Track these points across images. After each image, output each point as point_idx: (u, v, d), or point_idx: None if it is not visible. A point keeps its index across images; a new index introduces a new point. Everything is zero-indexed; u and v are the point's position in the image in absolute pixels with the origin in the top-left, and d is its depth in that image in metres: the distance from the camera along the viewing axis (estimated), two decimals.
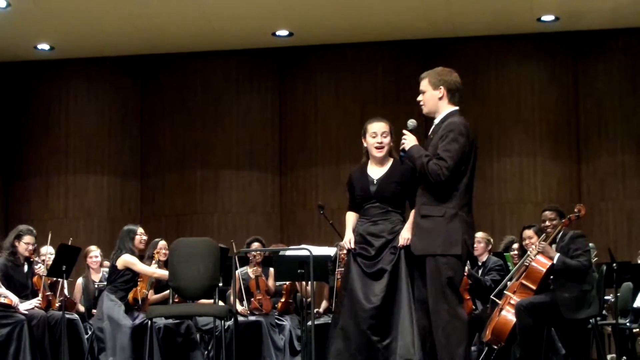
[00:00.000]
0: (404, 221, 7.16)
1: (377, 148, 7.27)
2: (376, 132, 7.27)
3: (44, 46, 14.56)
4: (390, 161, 7.32)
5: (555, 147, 14.21)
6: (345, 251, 7.45)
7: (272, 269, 10.83)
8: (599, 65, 14.26)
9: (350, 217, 7.41)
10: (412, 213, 7.01)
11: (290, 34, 14.27)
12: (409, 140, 6.65)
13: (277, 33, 14.22)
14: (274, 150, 14.92)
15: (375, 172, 7.29)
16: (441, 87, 6.61)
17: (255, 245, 11.15)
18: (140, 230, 10.04)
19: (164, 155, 15.05)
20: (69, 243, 10.21)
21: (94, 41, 14.33)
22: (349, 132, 14.05)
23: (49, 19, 13.44)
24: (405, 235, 7.00)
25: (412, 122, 6.75)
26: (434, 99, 6.63)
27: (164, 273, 9.65)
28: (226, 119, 15.01)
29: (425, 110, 6.72)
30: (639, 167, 13.89)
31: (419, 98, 6.72)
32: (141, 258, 10.04)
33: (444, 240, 6.41)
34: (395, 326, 7.01)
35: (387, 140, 7.27)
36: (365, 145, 7.37)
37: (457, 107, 6.66)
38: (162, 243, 10.41)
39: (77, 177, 15.02)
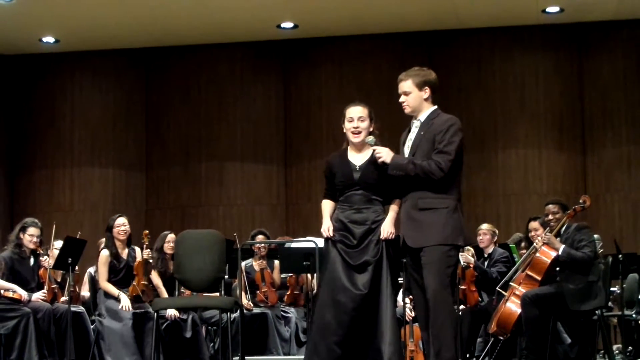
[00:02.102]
0: (385, 211, 7.07)
1: (353, 133, 7.13)
2: (352, 117, 7.14)
3: (48, 39, 14.55)
4: (372, 148, 7.11)
5: (560, 138, 14.21)
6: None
7: (277, 262, 10.84)
8: (603, 56, 14.25)
9: (327, 205, 7.23)
10: (394, 206, 7.01)
11: (295, 26, 14.26)
12: (385, 152, 6.71)
13: (282, 25, 14.21)
14: (279, 142, 14.92)
15: (357, 158, 7.15)
16: (426, 87, 6.73)
17: (259, 238, 11.15)
18: (120, 220, 9.85)
19: (168, 148, 15.05)
20: (77, 236, 10.22)
21: (99, 34, 14.33)
22: None
23: (53, 12, 13.44)
24: (389, 229, 6.94)
25: (371, 138, 6.88)
26: (420, 99, 6.73)
27: (110, 290, 9.60)
28: (231, 112, 15.01)
29: (408, 110, 6.78)
30: None
31: (402, 99, 6.76)
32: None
33: (452, 232, 6.51)
34: (378, 324, 6.88)
35: (364, 125, 7.11)
36: (344, 130, 7.24)
37: (436, 106, 6.79)
38: (171, 236, 10.38)
39: (82, 170, 15.03)
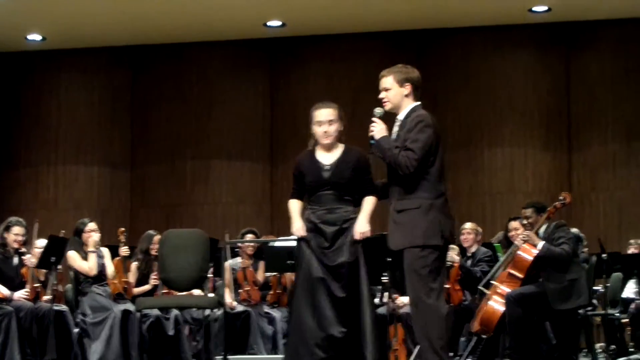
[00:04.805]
0: (356, 211, 6.98)
1: (322, 137, 7.03)
2: (321, 120, 7.01)
3: (35, 37, 14.52)
4: (341, 147, 7.07)
5: (546, 137, 14.23)
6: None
7: (262, 261, 10.82)
8: (591, 55, 14.27)
9: (295, 205, 7.15)
10: (366, 205, 6.96)
11: (283, 25, 14.26)
12: (378, 129, 6.58)
13: (269, 23, 14.20)
14: (265, 140, 14.91)
15: (326, 158, 7.04)
16: (407, 84, 6.65)
17: (249, 236, 11.13)
18: (91, 225, 9.80)
19: (154, 146, 15.03)
20: (61, 234, 10.19)
21: (85, 31, 14.31)
22: None
23: (40, 9, 13.42)
24: (362, 229, 6.87)
25: (379, 110, 6.68)
26: (400, 95, 6.64)
27: (90, 267, 9.57)
28: (217, 110, 14.99)
29: (389, 106, 6.69)
30: (630, 156, 13.92)
31: (382, 95, 6.70)
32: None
33: (424, 232, 6.39)
34: (360, 328, 6.80)
35: (333, 128, 6.98)
36: (312, 131, 7.11)
37: (419, 102, 6.70)
38: (157, 237, 10.31)
39: (67, 168, 15.02)
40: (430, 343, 6.36)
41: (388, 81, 6.67)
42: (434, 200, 6.46)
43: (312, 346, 6.76)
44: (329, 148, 7.06)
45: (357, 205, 7.02)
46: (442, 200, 6.51)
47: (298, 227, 7.03)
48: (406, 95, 6.64)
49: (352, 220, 6.91)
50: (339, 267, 6.83)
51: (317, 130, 7.04)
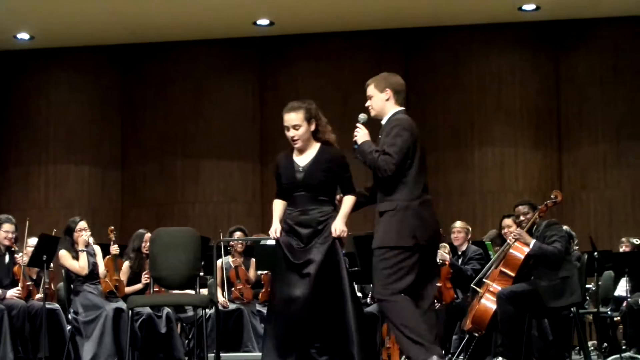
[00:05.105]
0: (335, 210, 6.98)
1: (290, 141, 7.07)
2: (287, 125, 7.07)
3: (23, 36, 14.48)
4: (316, 147, 7.08)
5: (536, 136, 14.26)
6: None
7: (253, 259, 10.82)
8: (580, 54, 14.30)
9: (278, 205, 7.12)
10: (345, 204, 6.96)
11: (271, 24, 14.26)
12: (361, 134, 6.68)
13: (258, 22, 14.21)
14: (255, 139, 14.90)
15: (301, 159, 7.05)
16: (387, 89, 6.74)
17: (238, 234, 11.12)
18: (82, 224, 9.74)
19: (145, 145, 15.02)
20: (52, 233, 10.17)
21: (74, 30, 14.27)
22: (330, 121, 13.96)
23: (28, 8, 13.38)
24: (339, 227, 6.86)
25: (363, 116, 6.78)
26: (382, 101, 6.74)
27: (81, 267, 9.55)
28: (207, 109, 14.98)
29: (373, 113, 6.79)
30: (620, 155, 13.95)
31: (367, 104, 6.80)
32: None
33: (396, 233, 6.46)
34: (346, 328, 6.78)
35: (300, 132, 7.01)
36: None
37: (402, 107, 6.78)
38: (149, 235, 10.29)
39: (58, 167, 14.99)
40: (401, 333, 6.44)
41: (370, 89, 6.82)
42: (410, 202, 6.52)
43: (284, 351, 6.77)
44: (303, 149, 7.08)
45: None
46: (418, 202, 6.56)
47: (273, 229, 7.03)
48: (387, 100, 6.74)
49: (327, 220, 6.91)
50: (307, 263, 6.79)
51: (286, 133, 7.10)
